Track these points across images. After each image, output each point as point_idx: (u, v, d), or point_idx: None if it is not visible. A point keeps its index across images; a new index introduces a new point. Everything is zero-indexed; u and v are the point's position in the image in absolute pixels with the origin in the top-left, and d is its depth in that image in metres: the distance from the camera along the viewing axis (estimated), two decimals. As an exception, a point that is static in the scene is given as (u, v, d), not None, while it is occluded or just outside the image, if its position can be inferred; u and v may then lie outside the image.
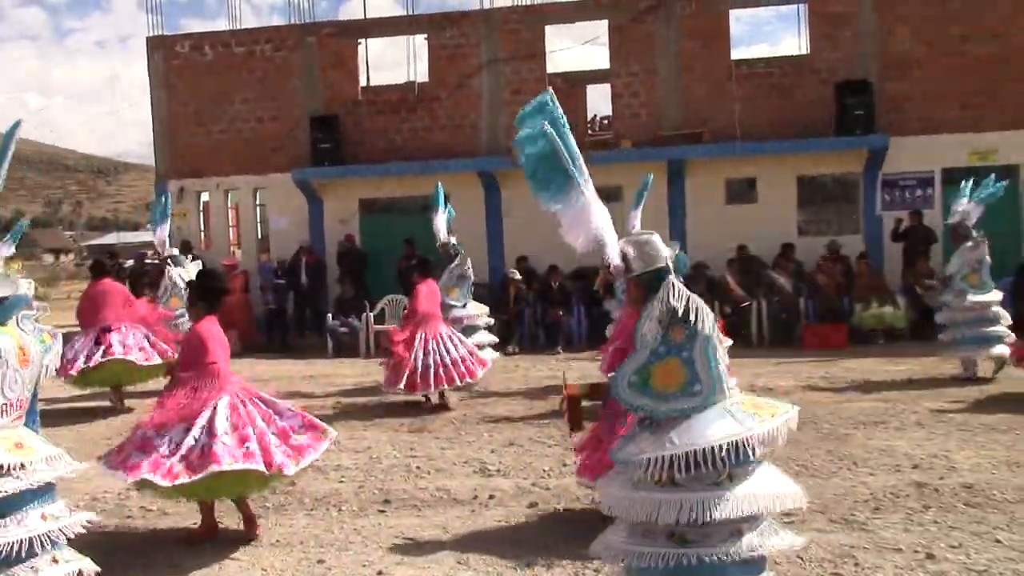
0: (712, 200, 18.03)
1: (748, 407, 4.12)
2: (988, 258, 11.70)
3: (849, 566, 5.50)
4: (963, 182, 12.26)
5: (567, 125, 4.57)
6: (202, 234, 20.35)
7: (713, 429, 3.98)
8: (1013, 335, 11.45)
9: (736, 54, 18.73)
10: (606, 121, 21.67)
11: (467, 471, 8.07)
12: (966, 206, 11.84)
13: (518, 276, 16.87)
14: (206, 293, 6.69)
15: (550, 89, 4.74)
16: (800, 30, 19.10)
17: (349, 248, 18.81)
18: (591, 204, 4.47)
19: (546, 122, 4.43)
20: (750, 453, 4.04)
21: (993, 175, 12.23)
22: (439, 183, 13.23)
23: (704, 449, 3.92)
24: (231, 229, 20.52)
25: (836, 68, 17.83)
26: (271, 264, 18.87)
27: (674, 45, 18.35)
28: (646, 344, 4.13)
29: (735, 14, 18.86)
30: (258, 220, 20.65)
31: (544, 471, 7.87)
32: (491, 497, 7.20)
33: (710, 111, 18.15)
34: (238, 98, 19.71)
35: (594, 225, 4.43)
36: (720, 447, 3.93)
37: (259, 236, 20.60)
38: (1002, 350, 11.46)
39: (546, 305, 17.01)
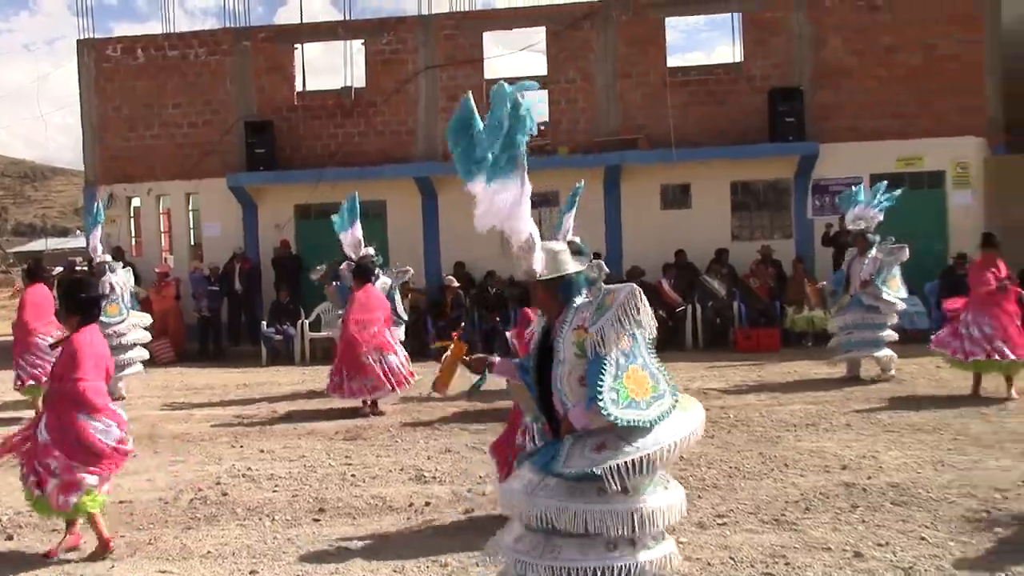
0: (648, 206, 18.20)
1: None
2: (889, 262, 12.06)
3: (780, 566, 5.58)
4: (853, 187, 12.63)
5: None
6: (133, 240, 19.99)
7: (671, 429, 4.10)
8: (896, 336, 11.94)
9: (672, 61, 18.94)
10: (543, 127, 21.76)
11: (403, 478, 8.03)
12: (868, 212, 12.15)
13: (456, 283, 16.85)
14: (80, 304, 6.39)
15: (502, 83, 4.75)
16: (734, 38, 19.40)
17: (284, 254, 18.62)
18: (527, 197, 4.40)
19: (509, 89, 4.46)
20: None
21: (884, 182, 12.59)
22: (355, 193, 12.85)
23: (658, 450, 4.00)
24: (163, 235, 20.19)
25: (769, 76, 18.12)
26: (204, 271, 18.61)
27: (611, 52, 18.50)
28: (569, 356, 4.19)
29: (671, 22, 19.07)
30: (191, 226, 20.34)
31: (480, 477, 7.86)
32: (427, 504, 7.17)
33: (646, 118, 18.31)
34: (170, 102, 19.40)
35: (524, 218, 4.34)
36: (674, 444, 4.06)
37: (192, 242, 20.30)
38: (886, 353, 11.92)
39: (483, 311, 17.01)
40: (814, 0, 18.15)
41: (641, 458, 3.98)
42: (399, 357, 11.25)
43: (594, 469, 3.97)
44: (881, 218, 12.32)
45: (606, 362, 4.06)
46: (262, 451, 9.24)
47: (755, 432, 9.21)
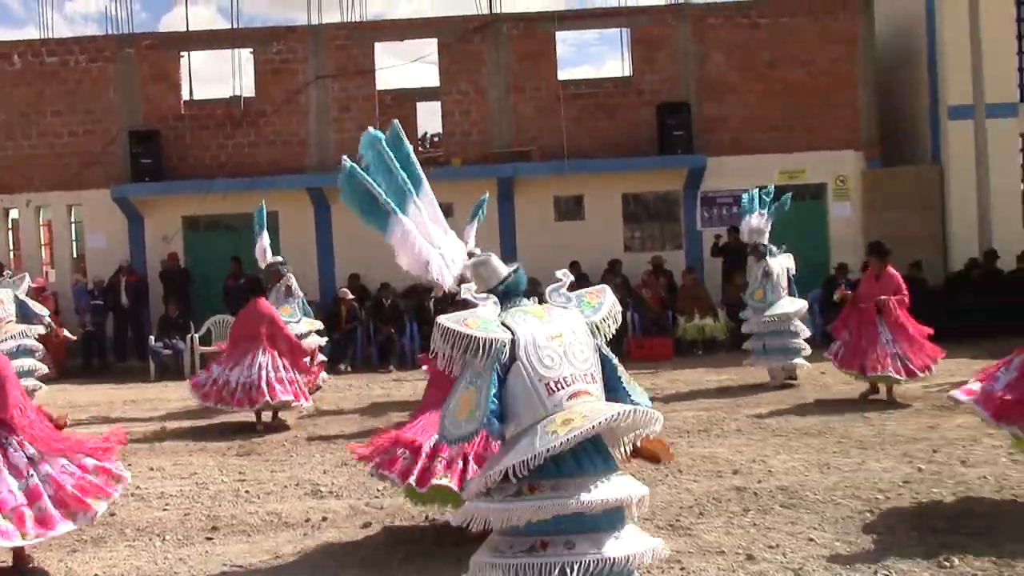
0: (541, 218, 18.37)
1: (556, 424, 3.96)
2: (782, 272, 12.37)
3: (675, 570, 5.69)
4: (748, 194, 12.96)
5: (399, 150, 4.66)
6: (11, 254, 19.20)
7: (513, 451, 3.95)
8: (809, 348, 12.21)
9: (563, 75, 19.21)
10: (436, 139, 21.78)
11: (298, 493, 7.91)
12: (759, 222, 12.53)
13: (350, 295, 16.70)
14: None
15: (396, 123, 4.85)
16: (623, 53, 19.78)
17: (172, 267, 18.16)
18: (412, 231, 4.48)
19: (350, 163, 4.50)
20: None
21: (771, 187, 13.00)
22: (263, 203, 12.89)
23: (501, 469, 3.93)
24: (44, 248, 19.45)
25: (657, 90, 18.52)
26: (87, 284, 18.01)
27: (503, 65, 18.63)
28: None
29: (561, 36, 19.33)
30: (73, 238, 19.65)
31: (378, 491, 7.79)
32: (324, 519, 7.07)
33: (538, 130, 18.50)
34: (50, 110, 18.69)
35: (417, 250, 4.44)
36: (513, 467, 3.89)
37: (75, 255, 19.61)
38: (798, 362, 12.21)
39: (378, 323, 16.88)
40: (698, 17, 18.66)
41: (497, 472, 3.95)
42: (277, 372, 10.93)
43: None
44: (769, 226, 12.68)
45: (460, 377, 4.08)
46: (151, 469, 8.98)
47: (649, 439, 9.35)
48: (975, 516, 6.46)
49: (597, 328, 4.28)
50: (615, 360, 4.30)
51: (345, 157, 4.93)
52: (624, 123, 18.51)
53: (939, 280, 17.29)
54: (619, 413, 3.90)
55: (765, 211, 12.64)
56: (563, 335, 4.09)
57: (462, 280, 4.50)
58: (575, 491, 3.98)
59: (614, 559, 3.88)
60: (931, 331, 11.01)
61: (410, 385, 13.92)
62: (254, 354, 10.78)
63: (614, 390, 4.23)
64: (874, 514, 6.62)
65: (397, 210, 5.01)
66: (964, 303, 15.94)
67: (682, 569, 5.71)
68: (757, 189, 12.93)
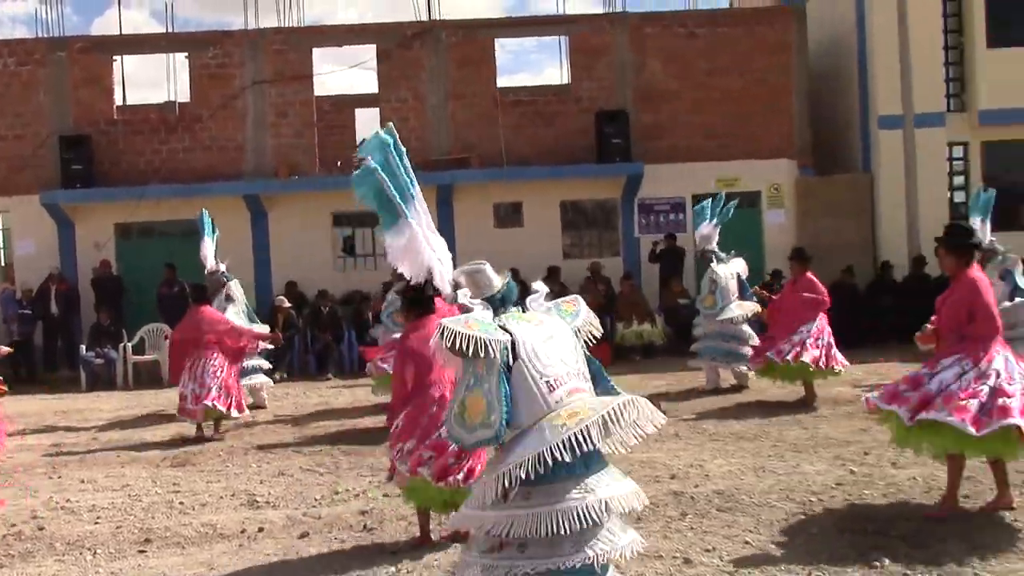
0: (480, 224, 18.37)
1: (563, 418, 4.08)
2: (731, 277, 12.56)
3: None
4: (701, 204, 13.18)
5: (404, 158, 4.74)
6: (-65, 261, 18.72)
7: (520, 448, 4.04)
8: (752, 351, 12.40)
9: (501, 82, 19.25)
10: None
11: (234, 504, 7.80)
12: (708, 230, 12.72)
13: (287, 303, 16.53)
14: None
15: (391, 126, 4.88)
16: (562, 61, 19.89)
17: (104, 275, 17.81)
18: (419, 236, 4.55)
19: (374, 161, 4.53)
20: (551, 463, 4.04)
21: (722, 194, 13.19)
22: (204, 210, 12.77)
23: (508, 471, 4.01)
24: (-32, 255, 18.97)
25: (596, 98, 18.65)
26: (15, 292, 17.59)
27: (441, 72, 18.62)
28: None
29: (500, 43, 19.38)
30: (1, 245, 19.18)
31: (316, 500, 7.73)
32: (260, 530, 6.98)
33: (477, 137, 18.51)
34: (-24, 114, 18.28)
35: (424, 256, 4.49)
36: (517, 465, 3.98)
37: (2, 263, 19.14)
38: (744, 368, 12.39)
39: (316, 331, 16.74)
40: (636, 25, 18.85)
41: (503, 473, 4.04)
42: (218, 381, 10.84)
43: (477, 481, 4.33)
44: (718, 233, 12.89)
45: (459, 379, 4.24)
46: (82, 481, 8.79)
47: (588, 445, 9.39)
48: (905, 517, 6.59)
49: (578, 332, 4.46)
50: (598, 362, 4.52)
51: (369, 157, 5.03)
52: (562, 131, 18.60)
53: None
54: (625, 402, 4.06)
55: (715, 219, 12.85)
56: (554, 337, 4.26)
57: (456, 286, 4.58)
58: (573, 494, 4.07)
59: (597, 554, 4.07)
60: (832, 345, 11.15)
61: (349, 393, 13.84)
62: (204, 361, 10.68)
63: (604, 388, 4.42)
64: (808, 516, 6.72)
65: (408, 214, 5.19)
66: (883, 305, 16.37)
67: (621, 574, 5.73)
68: (711, 199, 13.12)
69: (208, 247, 12.38)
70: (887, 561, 5.69)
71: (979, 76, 18.53)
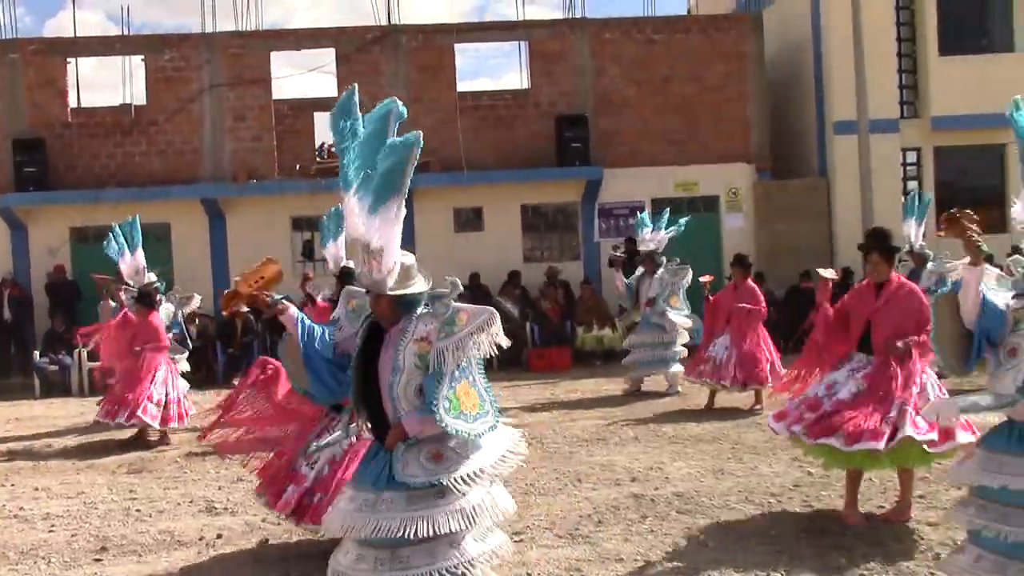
0: (441, 228, 18.34)
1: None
2: (667, 286, 12.73)
3: (575, 579, 5.74)
4: (639, 213, 13.46)
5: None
6: None
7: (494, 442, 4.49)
8: (685, 352, 12.53)
9: (461, 87, 19.24)
10: (334, 149, 21.55)
11: (193, 511, 7.72)
12: (657, 235, 12.83)
13: (245, 308, 16.38)
14: None
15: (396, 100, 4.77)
16: (522, 66, 19.92)
17: (59, 280, 17.55)
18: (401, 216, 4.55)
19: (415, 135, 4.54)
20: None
21: (667, 210, 13.34)
22: (137, 216, 12.17)
23: (491, 461, 4.44)
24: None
25: (555, 103, 18.71)
26: (-33, 298, 17.28)
27: (401, 76, 18.57)
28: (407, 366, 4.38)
29: (460, 48, 19.36)
30: (-48, 250, 18.81)
31: (275, 506, 7.66)
32: (219, 537, 6.91)
33: (438, 141, 18.46)
34: (-74, 117, 17.94)
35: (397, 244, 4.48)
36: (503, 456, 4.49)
37: (-47, 268, 18.79)
38: (676, 369, 12.54)
39: (276, 336, 16.59)
40: (595, 31, 18.94)
41: (480, 468, 4.39)
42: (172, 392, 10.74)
43: (441, 480, 4.32)
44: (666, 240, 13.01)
45: (443, 374, 4.31)
46: (36, 489, 8.65)
47: (549, 448, 9.43)
48: (865, 515, 6.67)
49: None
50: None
51: (420, 134, 4.69)
52: (522, 135, 18.64)
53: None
54: None
55: (661, 230, 12.94)
56: None
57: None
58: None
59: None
60: (773, 359, 11.25)
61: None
62: (147, 369, 10.57)
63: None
64: (767, 518, 6.79)
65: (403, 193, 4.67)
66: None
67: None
68: (649, 214, 13.25)
69: (140, 258, 11.78)
70: (844, 561, 5.77)
71: (931, 83, 18.84)
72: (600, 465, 8.62)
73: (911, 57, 19.25)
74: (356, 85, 4.59)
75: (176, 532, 7.08)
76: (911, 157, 19.39)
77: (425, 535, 4.28)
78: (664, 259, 12.87)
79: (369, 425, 4.70)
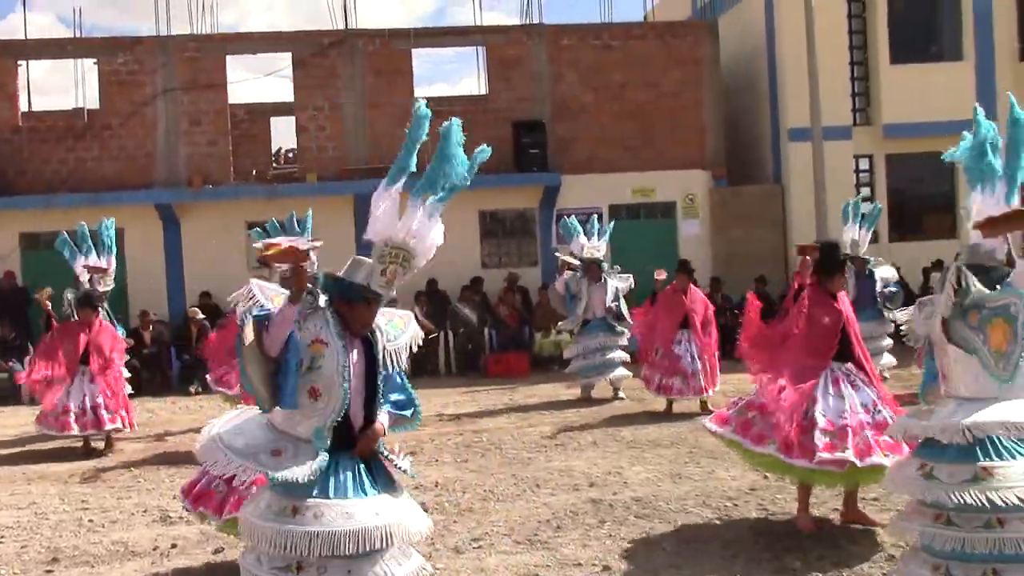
0: (398, 234, 18.23)
1: None
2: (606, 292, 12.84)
3: (534, 584, 5.74)
4: (567, 218, 13.50)
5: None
6: None
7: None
8: (627, 356, 12.64)
9: (419, 92, 19.19)
10: (291, 155, 21.44)
11: (147, 520, 7.62)
12: (598, 243, 12.92)
13: (200, 314, 16.22)
14: None
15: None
16: (479, 72, 19.93)
17: (9, 286, 17.24)
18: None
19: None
20: None
21: (595, 215, 13.47)
22: (83, 223, 11.93)
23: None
24: None
25: (513, 109, 18.73)
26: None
27: (358, 81, 18.49)
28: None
29: (417, 53, 19.33)
30: None
31: (231, 514, 7.58)
32: (173, 546, 6.83)
33: (395, 146, 17.93)
34: None
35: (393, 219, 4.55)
36: None
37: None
38: (622, 374, 12.62)
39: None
40: (552, 37, 19.00)
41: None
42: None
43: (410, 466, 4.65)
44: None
45: (402, 370, 4.68)
46: (-15, 500, 8.50)
47: (508, 454, 9.43)
48: (818, 521, 6.74)
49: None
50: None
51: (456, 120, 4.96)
52: (480, 140, 18.04)
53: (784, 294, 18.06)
54: None
55: (604, 236, 13.05)
56: None
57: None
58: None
59: None
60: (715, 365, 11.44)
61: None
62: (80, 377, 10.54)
63: None
64: (723, 522, 6.84)
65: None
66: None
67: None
68: (574, 218, 13.36)
69: (93, 260, 11.55)
70: (798, 564, 5.83)
71: (883, 91, 19.11)
72: (558, 470, 8.64)
73: (863, 65, 19.53)
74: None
75: (129, 542, 6.98)
76: (864, 164, 19.66)
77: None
78: (606, 266, 12.99)
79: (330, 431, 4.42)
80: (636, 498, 7.54)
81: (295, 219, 8.90)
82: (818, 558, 5.92)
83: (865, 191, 19.52)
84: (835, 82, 18.50)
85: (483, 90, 19.49)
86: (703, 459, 8.85)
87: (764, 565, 5.86)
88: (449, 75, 55.60)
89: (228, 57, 18.62)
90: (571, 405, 12.50)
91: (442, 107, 18.95)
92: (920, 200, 19.92)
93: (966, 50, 19.28)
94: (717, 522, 6.83)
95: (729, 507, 7.18)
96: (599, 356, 12.64)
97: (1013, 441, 4.55)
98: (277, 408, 4.39)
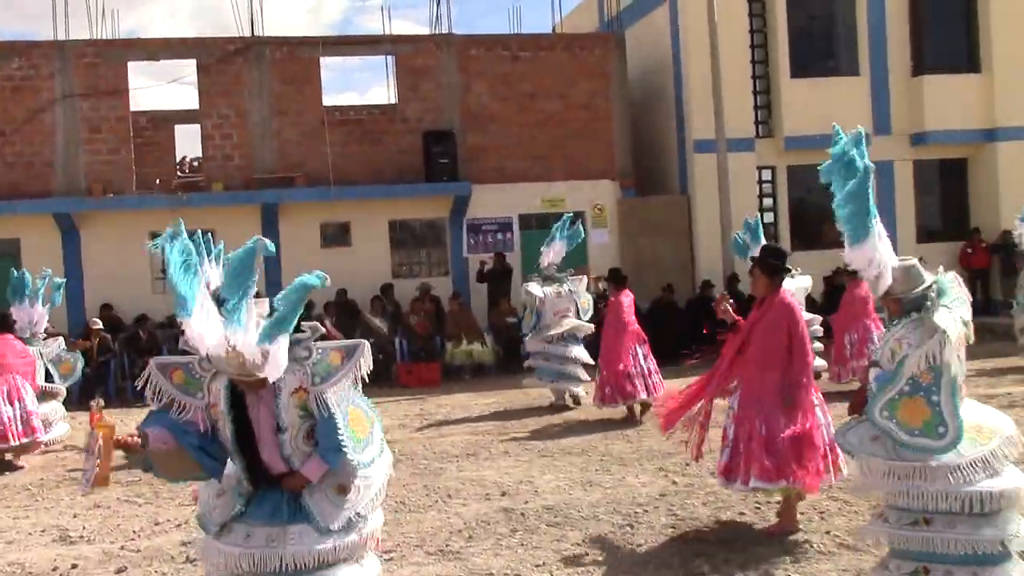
0: (307, 244, 18.05)
1: None
2: (549, 295, 12.83)
3: (446, 595, 5.72)
4: (552, 226, 13.42)
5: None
6: None
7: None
8: (585, 375, 12.64)
9: (328, 100, 19.04)
10: (196, 163, 21.04)
11: (45, 540, 7.37)
12: (556, 248, 12.96)
13: (99, 325, 15.78)
14: None
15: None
16: (389, 81, 19.86)
17: None
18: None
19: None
20: None
21: (566, 218, 13.41)
22: (25, 270, 11.73)
23: (384, 480, 4.81)
24: None
25: (423, 118, 18.70)
26: None
27: (265, 89, 18.24)
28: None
29: (325, 61, 19.16)
30: None
31: (134, 532, 7.39)
32: (73, 567, 6.62)
33: (303, 156, 18.23)
34: None
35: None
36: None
37: None
38: (576, 391, 12.65)
39: (135, 355, 16.02)
40: (461, 47, 19.04)
41: (381, 488, 4.61)
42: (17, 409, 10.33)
43: (359, 511, 4.42)
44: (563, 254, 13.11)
45: (336, 415, 4.34)
46: None
47: (419, 465, 9.39)
48: (725, 524, 6.89)
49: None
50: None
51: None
52: (390, 150, 18.57)
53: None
54: None
55: (564, 240, 13.03)
56: None
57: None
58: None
59: None
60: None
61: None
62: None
63: None
64: (634, 528, 6.92)
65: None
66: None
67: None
68: (561, 221, 13.26)
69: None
70: (707, 568, 5.93)
71: (784, 104, 19.62)
72: (470, 480, 8.63)
73: (765, 79, 20.02)
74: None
75: (27, 564, 6.75)
76: (766, 175, 20.13)
77: (336, 561, 4.37)
78: (561, 275, 12.92)
79: (247, 473, 4.46)
80: (547, 506, 7.58)
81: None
82: (724, 561, 6.04)
83: (768, 201, 20.04)
84: (738, 95, 18.94)
85: (393, 99, 19.42)
86: (613, 466, 8.95)
87: (674, 570, 5.95)
88: (358, 84, 55.28)
89: (130, 63, 18.18)
90: (483, 415, 12.50)
91: (351, 116, 18.93)
92: (820, 210, 20.40)
93: (862, 65, 19.92)
94: (628, 528, 6.91)
95: (639, 513, 7.26)
96: (558, 364, 12.61)
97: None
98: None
